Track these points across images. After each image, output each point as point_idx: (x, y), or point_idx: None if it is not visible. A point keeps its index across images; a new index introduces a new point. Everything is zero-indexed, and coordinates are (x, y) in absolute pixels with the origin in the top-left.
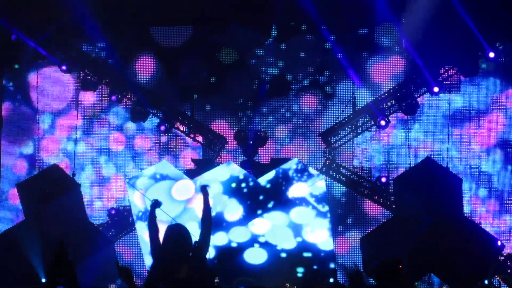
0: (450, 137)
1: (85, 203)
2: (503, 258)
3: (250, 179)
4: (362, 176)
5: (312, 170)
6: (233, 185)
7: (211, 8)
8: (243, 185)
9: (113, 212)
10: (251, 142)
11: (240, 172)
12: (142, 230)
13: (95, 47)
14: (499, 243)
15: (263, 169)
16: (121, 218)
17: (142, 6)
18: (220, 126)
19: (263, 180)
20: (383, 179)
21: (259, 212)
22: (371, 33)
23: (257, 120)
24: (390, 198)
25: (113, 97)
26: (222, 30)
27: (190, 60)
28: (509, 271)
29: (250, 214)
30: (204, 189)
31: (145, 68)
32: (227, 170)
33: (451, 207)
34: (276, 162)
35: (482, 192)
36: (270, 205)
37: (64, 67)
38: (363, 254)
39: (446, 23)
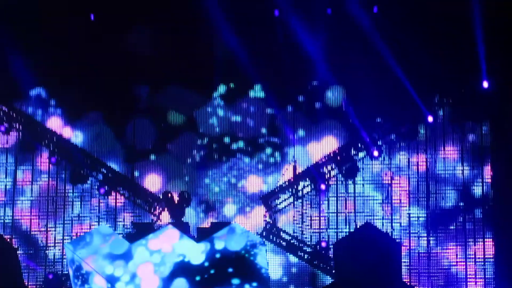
0: (389, 201)
1: (22, 267)
2: None
3: (191, 249)
4: (302, 240)
5: (252, 236)
6: (176, 258)
7: (150, 68)
8: (186, 259)
9: (50, 277)
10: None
11: (181, 239)
12: None
13: (37, 107)
14: None
15: (203, 234)
16: (59, 283)
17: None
18: (161, 190)
19: (203, 247)
20: (323, 244)
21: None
22: (312, 95)
23: (199, 184)
24: (330, 263)
25: (53, 159)
26: (162, 91)
27: (134, 122)
28: None
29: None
30: None
31: (89, 128)
32: (168, 238)
33: (389, 273)
34: (216, 226)
35: (421, 255)
36: (210, 277)
37: (2, 128)
38: None
39: (386, 86)
